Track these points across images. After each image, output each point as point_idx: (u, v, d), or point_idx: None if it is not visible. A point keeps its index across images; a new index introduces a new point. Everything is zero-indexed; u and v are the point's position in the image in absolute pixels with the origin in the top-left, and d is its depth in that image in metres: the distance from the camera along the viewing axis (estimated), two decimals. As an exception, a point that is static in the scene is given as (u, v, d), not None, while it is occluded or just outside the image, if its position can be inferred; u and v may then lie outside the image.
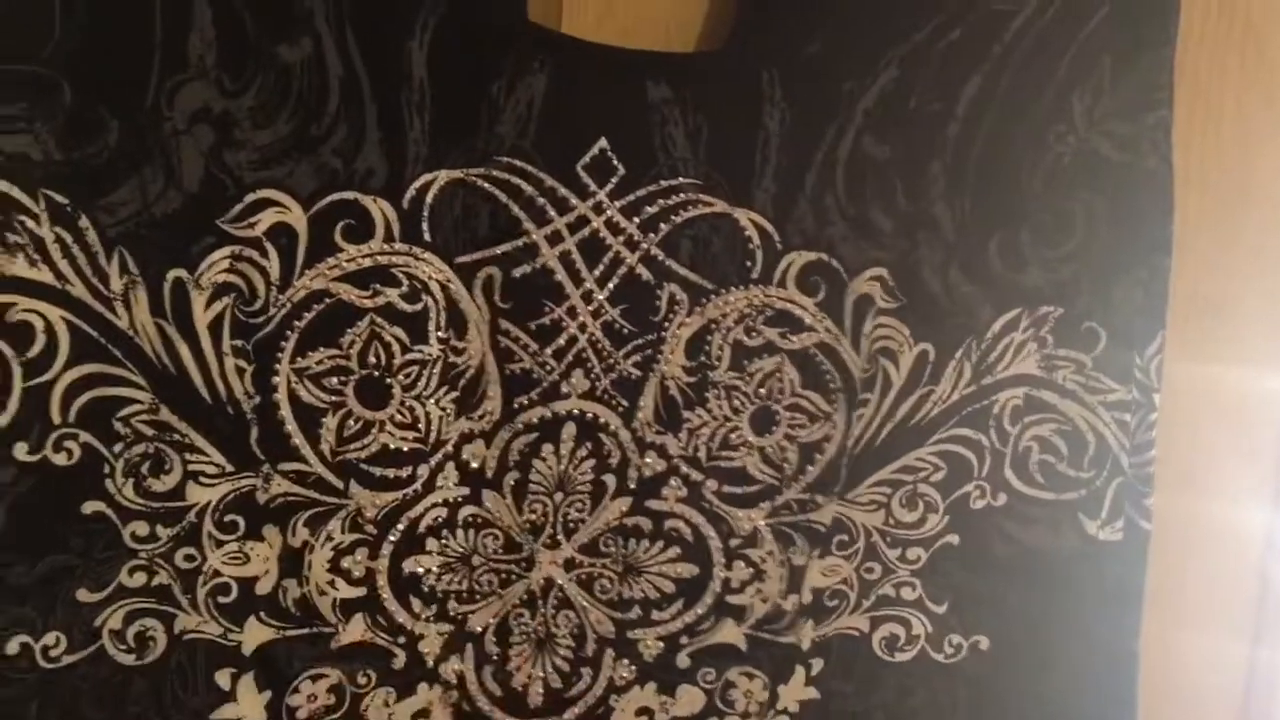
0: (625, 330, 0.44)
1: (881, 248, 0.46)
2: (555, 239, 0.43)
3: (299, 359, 0.41)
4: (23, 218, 0.39)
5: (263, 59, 0.40)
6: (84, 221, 0.40)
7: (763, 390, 0.46)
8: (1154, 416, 0.49)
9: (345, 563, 0.43)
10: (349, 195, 0.42)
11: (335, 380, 0.42)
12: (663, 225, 0.44)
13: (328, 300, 0.42)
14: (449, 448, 0.43)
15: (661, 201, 0.44)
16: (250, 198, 0.41)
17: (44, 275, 0.39)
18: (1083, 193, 0.47)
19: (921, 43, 0.46)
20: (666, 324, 0.45)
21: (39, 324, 0.39)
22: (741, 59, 0.44)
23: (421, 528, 0.43)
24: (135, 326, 0.40)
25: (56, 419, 0.40)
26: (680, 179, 0.44)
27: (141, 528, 0.41)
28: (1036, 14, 0.46)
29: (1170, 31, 0.48)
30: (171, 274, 0.41)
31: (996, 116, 0.46)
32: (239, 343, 0.41)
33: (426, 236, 0.42)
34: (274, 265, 0.41)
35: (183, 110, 0.40)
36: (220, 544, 0.42)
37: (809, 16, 0.45)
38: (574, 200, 0.43)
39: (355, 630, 0.43)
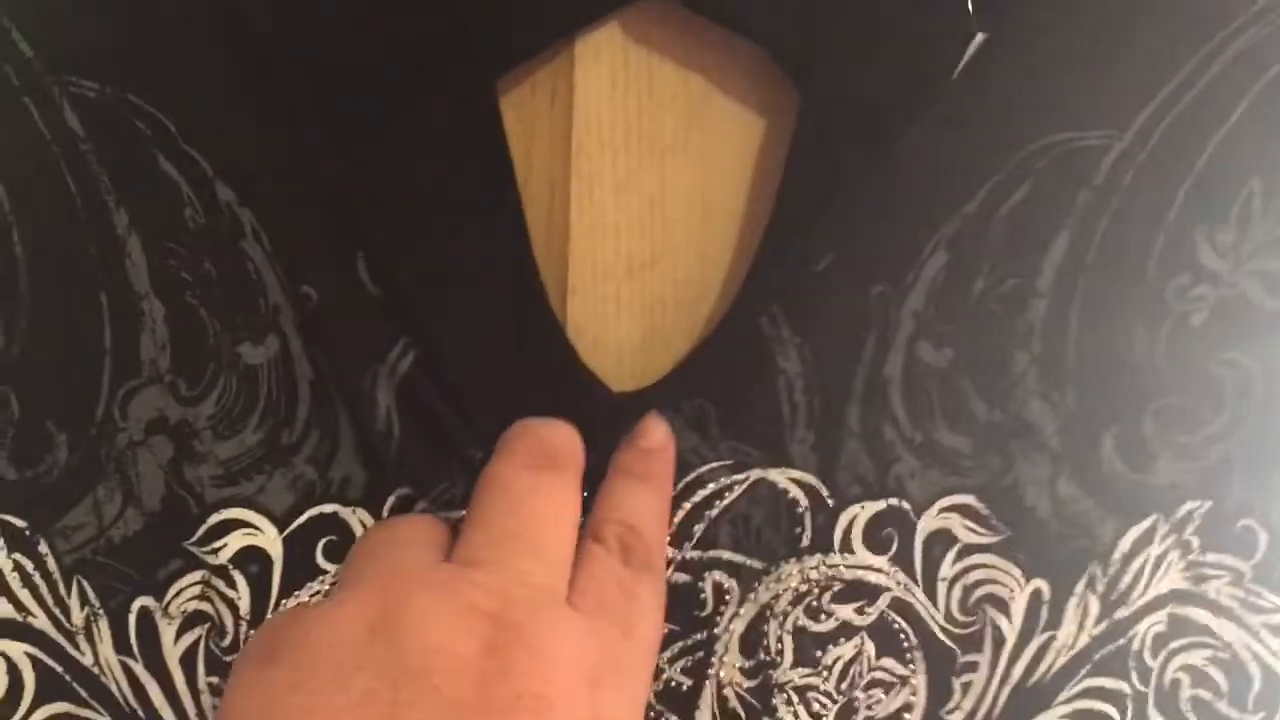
0: (668, 630, 0.37)
1: (960, 472, 0.37)
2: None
3: None
4: None
5: (224, 361, 0.36)
6: (43, 547, 0.36)
7: (844, 684, 0.37)
8: (1347, 641, 0.38)
9: None
10: (328, 509, 0.36)
11: None
12: (697, 527, 0.37)
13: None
14: None
15: (686, 504, 0.37)
16: (214, 519, 0.36)
17: (3, 608, 0.36)
18: (1229, 354, 0.37)
19: (974, 214, 0.36)
20: (717, 618, 0.37)
21: (1, 663, 0.36)
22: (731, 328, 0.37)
23: None
24: (100, 664, 0.36)
25: None
26: (702, 468, 0.37)
27: None
28: (1136, 144, 0.36)
29: None
30: (137, 603, 0.36)
31: (1095, 282, 0.37)
32: (215, 680, 0.36)
33: None
34: (244, 597, 0.36)
35: (137, 419, 0.36)
36: None
37: (809, 234, 0.36)
38: None
39: None
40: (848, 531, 0.37)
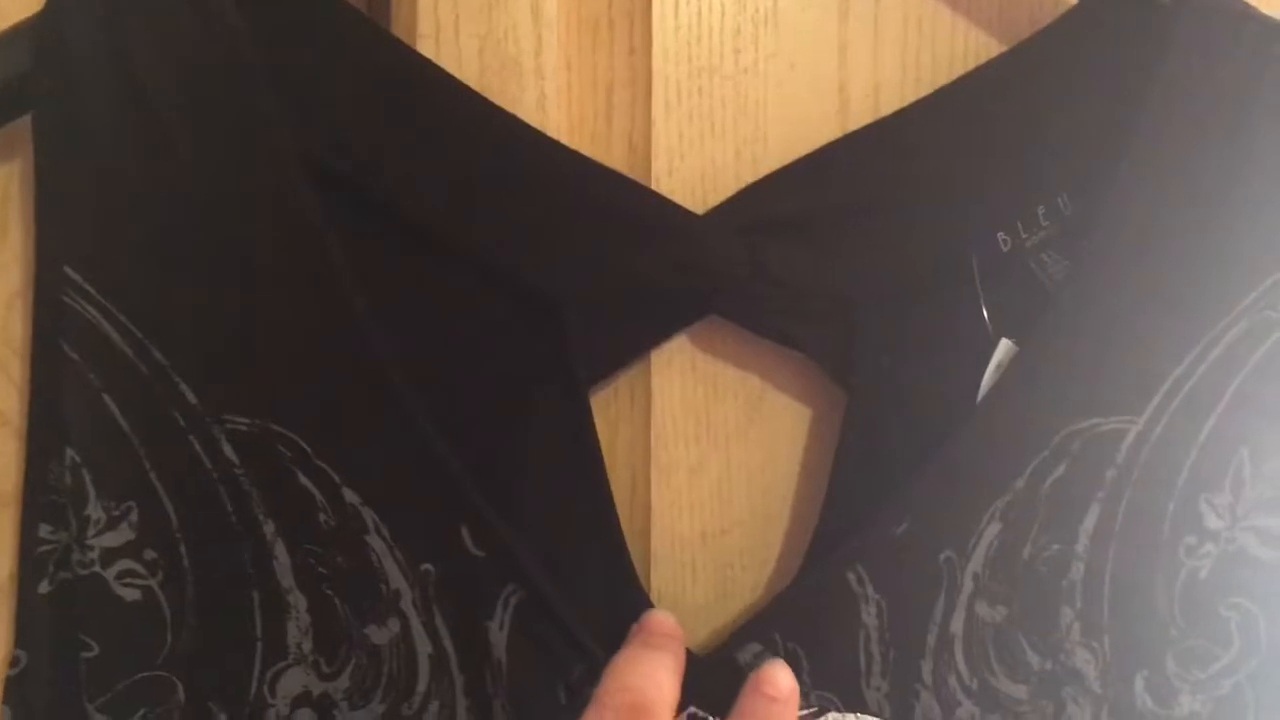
0: None
1: (1018, 716, 0.42)
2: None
3: None
4: None
5: (355, 641, 0.40)
6: None
7: None
8: None
9: None
10: None
11: None
12: None
13: None
14: None
15: None
16: None
17: None
18: (1232, 599, 0.43)
19: (1023, 490, 0.41)
20: None
21: None
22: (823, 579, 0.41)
23: None
24: None
25: None
26: None
27: None
28: (1149, 426, 0.42)
29: None
30: None
31: (1122, 544, 0.42)
32: None
33: None
34: None
35: (285, 696, 0.40)
36: None
37: (888, 502, 0.41)
38: None
39: None
40: None
